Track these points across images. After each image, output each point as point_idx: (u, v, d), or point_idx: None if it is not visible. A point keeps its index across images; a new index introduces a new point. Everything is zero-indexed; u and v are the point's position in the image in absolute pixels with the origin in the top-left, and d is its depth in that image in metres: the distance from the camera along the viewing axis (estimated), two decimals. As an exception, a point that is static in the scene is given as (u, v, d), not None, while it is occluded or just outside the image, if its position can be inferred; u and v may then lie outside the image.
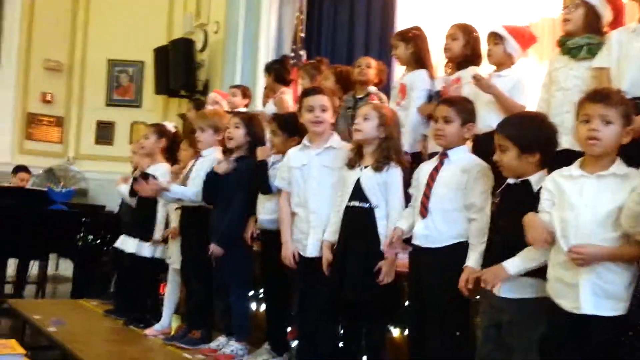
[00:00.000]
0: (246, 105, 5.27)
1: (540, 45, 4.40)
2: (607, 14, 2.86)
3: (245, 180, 3.42)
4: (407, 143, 3.52)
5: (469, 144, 3.35)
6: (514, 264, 2.22)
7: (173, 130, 4.40)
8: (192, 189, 3.61)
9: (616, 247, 2.02)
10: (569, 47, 2.88)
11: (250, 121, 3.53)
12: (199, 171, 3.63)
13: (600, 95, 2.13)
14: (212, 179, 3.46)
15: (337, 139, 3.14)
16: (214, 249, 3.42)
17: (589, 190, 2.09)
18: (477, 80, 3.21)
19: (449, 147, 2.69)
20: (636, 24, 2.68)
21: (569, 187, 2.14)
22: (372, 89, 3.32)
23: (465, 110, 2.71)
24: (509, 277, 2.24)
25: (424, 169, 2.75)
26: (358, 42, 6.22)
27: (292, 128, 3.35)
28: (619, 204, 2.02)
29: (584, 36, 2.83)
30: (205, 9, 7.54)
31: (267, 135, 3.52)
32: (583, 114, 2.14)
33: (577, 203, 2.09)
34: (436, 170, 2.68)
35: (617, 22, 2.89)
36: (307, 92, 3.20)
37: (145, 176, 3.73)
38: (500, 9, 4.96)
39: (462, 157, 2.69)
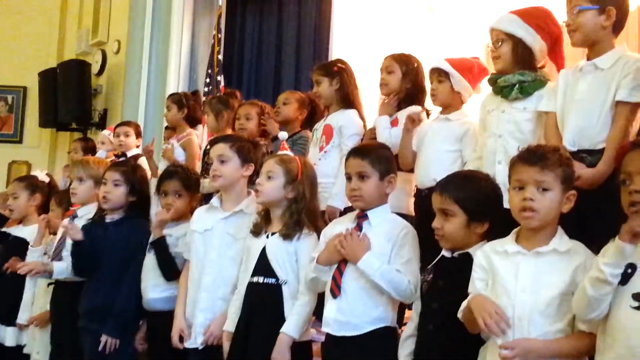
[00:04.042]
0: (138, 146, 5.28)
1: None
2: (539, 45, 2.91)
3: (132, 248, 3.32)
4: (339, 197, 3.48)
5: (409, 201, 3.41)
6: None
7: (46, 179, 4.31)
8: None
9: (558, 339, 2.01)
10: (500, 86, 2.93)
11: (133, 174, 3.46)
12: None
13: (535, 156, 2.13)
14: (81, 249, 3.34)
15: (251, 200, 3.05)
16: (108, 340, 3.20)
17: (525, 272, 2.08)
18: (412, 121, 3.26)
19: (369, 207, 2.64)
20: (584, 61, 2.73)
21: (503, 266, 2.13)
22: (283, 135, 3.27)
23: (382, 159, 2.65)
24: None
25: (337, 231, 2.64)
26: (287, 67, 6.28)
27: (194, 185, 3.34)
28: (562, 288, 2.02)
29: (515, 73, 2.88)
30: (103, 24, 7.48)
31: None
32: (516, 179, 2.15)
33: (512, 288, 2.08)
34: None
35: (555, 50, 2.96)
36: (210, 142, 3.18)
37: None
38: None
39: (384, 219, 2.63)
